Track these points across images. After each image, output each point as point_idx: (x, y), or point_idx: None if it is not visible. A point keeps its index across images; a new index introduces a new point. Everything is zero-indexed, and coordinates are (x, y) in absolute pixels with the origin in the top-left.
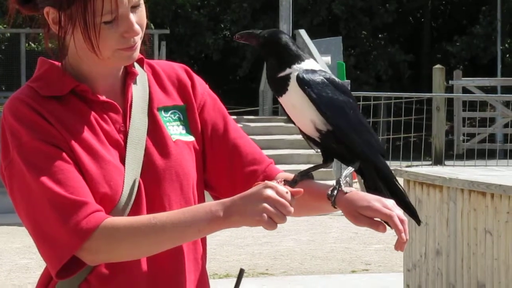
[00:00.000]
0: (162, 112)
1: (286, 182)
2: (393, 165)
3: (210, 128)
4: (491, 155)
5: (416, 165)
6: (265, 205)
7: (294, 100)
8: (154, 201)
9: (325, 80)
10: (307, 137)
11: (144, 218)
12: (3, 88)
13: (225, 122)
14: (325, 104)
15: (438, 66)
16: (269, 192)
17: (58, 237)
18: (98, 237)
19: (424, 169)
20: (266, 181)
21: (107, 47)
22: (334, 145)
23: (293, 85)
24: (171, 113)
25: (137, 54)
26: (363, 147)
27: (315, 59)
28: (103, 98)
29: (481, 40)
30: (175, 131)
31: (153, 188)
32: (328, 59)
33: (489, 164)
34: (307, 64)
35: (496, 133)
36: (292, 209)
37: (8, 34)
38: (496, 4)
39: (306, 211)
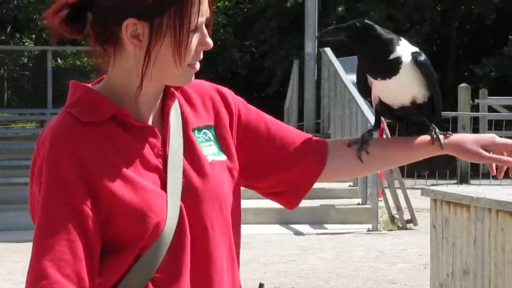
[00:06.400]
0: (196, 132)
1: (357, 142)
2: (418, 183)
3: (252, 134)
4: None
5: (442, 184)
6: None
7: (405, 80)
8: (196, 223)
9: (428, 59)
10: (383, 108)
11: None
12: (29, 105)
13: (265, 122)
14: (435, 82)
15: (463, 84)
16: None
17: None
18: None
19: (451, 188)
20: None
21: (187, 60)
22: (418, 115)
23: (407, 66)
24: (203, 133)
25: None
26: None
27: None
28: (142, 123)
29: (510, 60)
30: (209, 151)
31: (194, 210)
32: (353, 77)
33: None
34: (406, 45)
35: None
36: None
37: (35, 52)
38: None
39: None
